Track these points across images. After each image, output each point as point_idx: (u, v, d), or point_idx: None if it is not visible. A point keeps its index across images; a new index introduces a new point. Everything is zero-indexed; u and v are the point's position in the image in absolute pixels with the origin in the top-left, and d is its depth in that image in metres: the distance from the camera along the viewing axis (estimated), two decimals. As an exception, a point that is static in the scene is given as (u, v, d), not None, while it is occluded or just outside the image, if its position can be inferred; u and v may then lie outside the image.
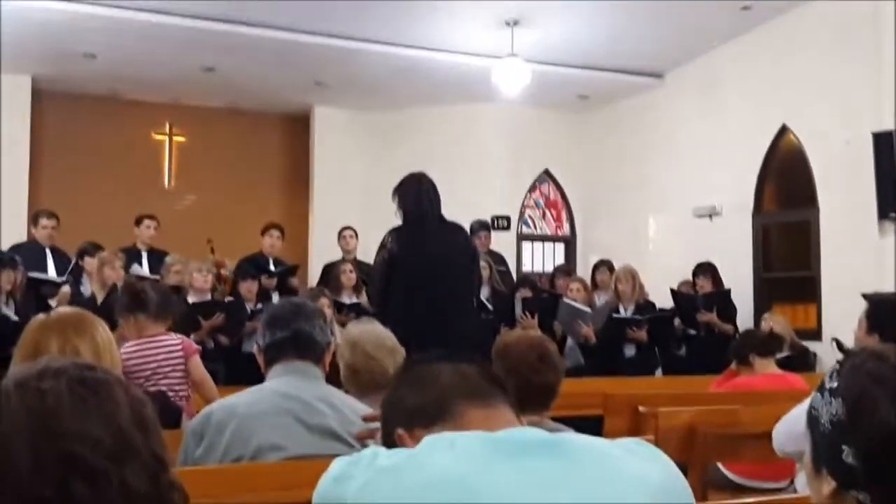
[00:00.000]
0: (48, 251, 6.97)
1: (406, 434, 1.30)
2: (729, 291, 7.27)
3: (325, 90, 9.48)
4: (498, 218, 9.71)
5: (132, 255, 6.97)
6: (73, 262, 6.69)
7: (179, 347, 3.79)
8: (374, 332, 2.94)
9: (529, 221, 10.42)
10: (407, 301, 4.39)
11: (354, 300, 6.82)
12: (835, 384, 1.23)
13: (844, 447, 1.16)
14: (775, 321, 6.54)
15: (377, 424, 1.56)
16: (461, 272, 4.59)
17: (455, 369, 1.35)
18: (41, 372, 0.98)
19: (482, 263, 6.80)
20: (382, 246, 4.56)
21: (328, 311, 5.95)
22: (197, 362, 3.85)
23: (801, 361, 6.59)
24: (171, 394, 3.67)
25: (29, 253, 6.68)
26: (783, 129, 7.97)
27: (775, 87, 7.96)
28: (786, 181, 8.14)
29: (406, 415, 1.34)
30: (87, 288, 6.31)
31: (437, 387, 1.33)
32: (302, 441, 2.28)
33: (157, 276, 6.46)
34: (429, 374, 1.36)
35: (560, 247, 10.60)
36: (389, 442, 1.34)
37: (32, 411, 0.94)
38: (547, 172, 10.41)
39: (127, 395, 1.01)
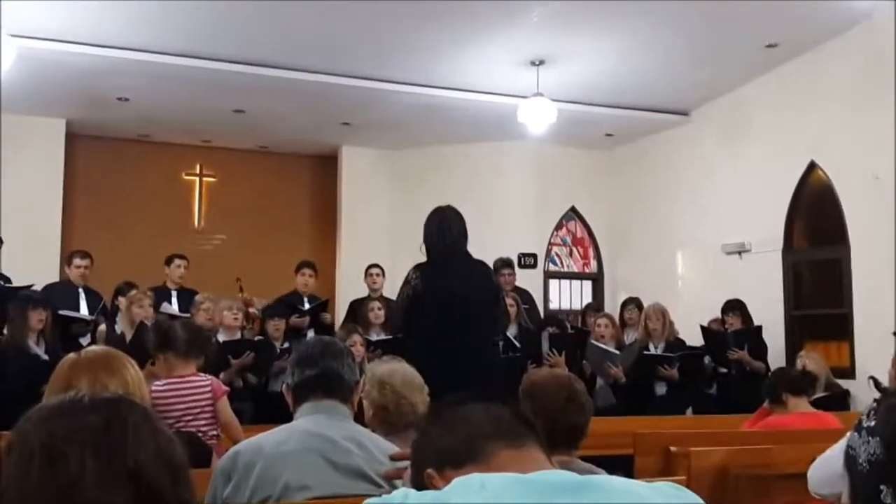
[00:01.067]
0: (81, 291, 7.06)
1: (436, 474, 1.29)
2: (760, 328, 7.18)
3: (353, 130, 9.58)
4: (524, 255, 9.70)
5: (163, 294, 7.05)
6: (107, 301, 6.78)
7: (209, 389, 3.78)
8: (401, 371, 2.94)
9: (556, 259, 10.40)
10: (429, 339, 4.37)
11: (383, 337, 6.82)
12: (872, 423, 1.20)
13: (883, 487, 1.14)
14: (810, 359, 6.44)
15: (405, 463, 1.55)
16: (483, 310, 4.57)
17: (486, 410, 1.34)
18: (67, 436, 0.96)
19: (509, 301, 6.78)
20: (406, 282, 4.56)
21: (361, 349, 5.96)
22: (225, 404, 3.84)
23: (835, 400, 6.47)
24: (199, 434, 3.66)
25: (62, 293, 6.78)
26: (811, 166, 7.92)
27: (803, 123, 7.93)
28: (815, 218, 8.07)
29: (436, 455, 1.32)
30: (120, 327, 6.38)
31: (468, 427, 1.31)
32: (330, 481, 2.27)
33: (188, 315, 6.52)
34: (460, 414, 1.34)
35: (587, 284, 10.55)
36: (419, 482, 1.33)
37: (54, 481, 0.93)
38: (573, 210, 10.40)
39: (154, 436, 1.00)
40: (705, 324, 7.44)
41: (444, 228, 4.58)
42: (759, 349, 7.07)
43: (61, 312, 6.45)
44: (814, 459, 2.62)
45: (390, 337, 6.74)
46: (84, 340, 6.49)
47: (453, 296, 4.44)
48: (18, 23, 6.46)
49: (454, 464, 1.28)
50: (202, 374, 3.86)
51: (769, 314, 7.69)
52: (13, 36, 6.32)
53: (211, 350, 4.07)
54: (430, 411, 1.49)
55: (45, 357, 5.86)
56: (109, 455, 0.95)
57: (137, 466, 0.95)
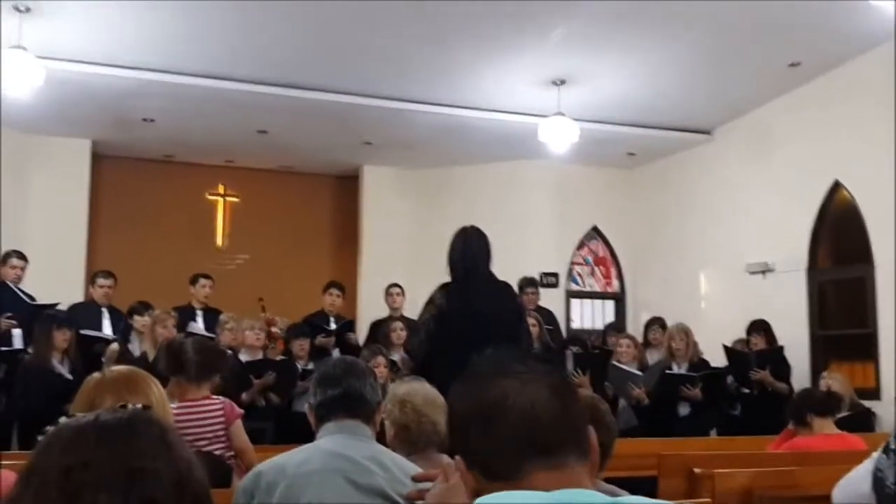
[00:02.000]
0: (105, 310, 7.12)
1: (464, 466, 1.27)
2: (782, 349, 7.11)
3: (374, 150, 9.63)
4: (546, 275, 9.67)
5: (188, 314, 7.09)
6: (124, 321, 6.83)
7: (221, 412, 3.67)
8: (422, 390, 2.93)
9: (578, 278, 10.36)
10: (452, 359, 4.35)
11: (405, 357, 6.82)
12: (900, 445, 1.19)
13: (911, 511, 1.12)
14: (834, 380, 6.36)
15: (428, 484, 1.54)
16: (507, 331, 4.55)
17: (527, 406, 1.23)
18: (83, 472, 0.96)
19: (531, 321, 6.76)
20: (431, 302, 4.55)
21: (384, 371, 5.96)
22: (238, 428, 3.72)
23: (858, 420, 6.38)
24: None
25: (86, 312, 6.85)
26: (836, 185, 7.86)
27: (826, 142, 7.88)
28: (840, 237, 8.00)
29: (468, 452, 1.27)
30: (135, 346, 6.40)
31: (506, 431, 1.22)
32: (352, 501, 2.27)
33: (213, 335, 6.55)
34: (498, 408, 1.24)
35: (609, 304, 10.50)
36: (453, 446, 1.31)
37: None
38: (595, 229, 10.37)
39: (174, 462, 0.99)
40: (729, 344, 7.38)
41: (468, 248, 4.58)
42: (783, 370, 7.00)
43: (82, 332, 6.52)
44: (839, 481, 2.59)
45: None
46: (105, 359, 6.54)
47: (477, 315, 4.43)
48: (46, 45, 6.56)
49: (485, 474, 1.24)
50: (215, 398, 3.74)
51: (793, 334, 7.61)
52: (41, 58, 6.42)
53: (226, 367, 3.92)
54: (466, 385, 1.33)
55: (69, 376, 5.91)
56: (126, 492, 0.94)
57: (154, 499, 0.95)
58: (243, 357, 6.27)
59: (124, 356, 6.17)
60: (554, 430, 1.21)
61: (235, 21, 6.63)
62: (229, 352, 3.90)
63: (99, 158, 9.36)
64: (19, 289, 6.80)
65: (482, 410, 1.25)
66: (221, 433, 3.66)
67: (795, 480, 3.41)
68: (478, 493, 1.22)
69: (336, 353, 6.89)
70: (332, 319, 7.48)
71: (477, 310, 4.43)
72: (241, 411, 3.89)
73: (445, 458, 2.65)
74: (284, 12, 6.52)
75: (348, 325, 7.52)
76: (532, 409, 1.22)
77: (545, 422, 1.21)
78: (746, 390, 7.09)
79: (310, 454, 2.38)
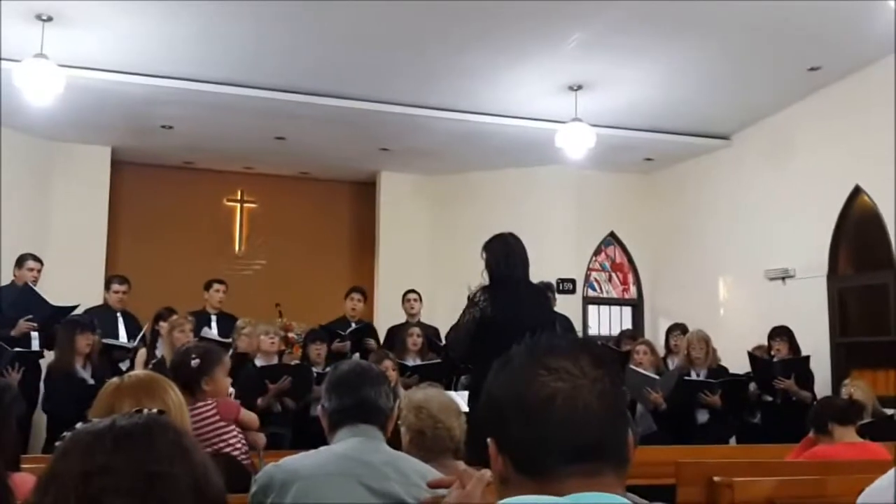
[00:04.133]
0: (119, 315, 7.18)
1: (495, 449, 1.23)
2: (808, 358, 7.04)
3: (391, 156, 9.65)
4: (563, 281, 9.64)
5: (202, 319, 7.13)
6: (149, 326, 6.88)
7: (214, 412, 3.63)
8: (438, 396, 2.94)
9: (595, 285, 10.32)
10: (490, 361, 4.35)
11: (419, 362, 6.82)
12: (925, 454, 1.16)
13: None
14: (856, 387, 6.28)
15: (443, 491, 1.53)
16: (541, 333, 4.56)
17: (574, 412, 1.18)
18: (101, 480, 0.96)
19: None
20: (474, 304, 4.57)
21: (393, 374, 5.96)
22: (245, 420, 3.82)
23: (883, 428, 6.30)
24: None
25: (102, 317, 6.91)
26: (856, 190, 7.78)
27: (847, 147, 7.81)
28: (861, 243, 7.92)
29: (504, 439, 1.22)
30: (161, 352, 6.45)
31: (548, 431, 1.18)
32: (366, 505, 2.27)
33: (229, 340, 6.58)
34: (544, 407, 1.19)
35: (627, 310, 10.45)
36: (479, 426, 1.28)
37: None
38: (612, 235, 10.33)
39: (191, 467, 0.99)
40: (749, 351, 7.31)
41: (512, 253, 4.66)
42: (807, 378, 6.93)
43: (104, 341, 6.60)
44: (862, 491, 2.55)
45: (429, 363, 6.74)
46: (123, 366, 6.59)
47: (520, 319, 4.43)
48: (67, 53, 6.62)
49: (515, 465, 1.20)
50: (209, 400, 3.69)
51: (814, 341, 7.54)
52: (61, 66, 6.48)
53: (212, 370, 3.83)
54: (509, 365, 1.28)
55: (91, 381, 5.95)
56: (144, 497, 0.95)
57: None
58: (259, 362, 6.28)
59: (150, 362, 6.19)
60: (596, 440, 1.19)
61: (253, 29, 6.67)
62: (195, 359, 3.79)
63: (119, 165, 9.43)
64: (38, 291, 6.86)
65: (527, 405, 1.20)
66: (223, 432, 3.64)
67: (818, 490, 3.37)
68: (504, 480, 1.20)
69: (356, 356, 6.88)
70: (353, 325, 7.48)
71: (520, 314, 4.45)
72: (237, 403, 3.86)
73: (461, 465, 2.64)
74: (302, 20, 6.55)
75: (366, 328, 7.51)
76: (578, 416, 1.19)
77: (589, 430, 1.18)
78: (769, 398, 7.03)
79: (325, 457, 2.38)
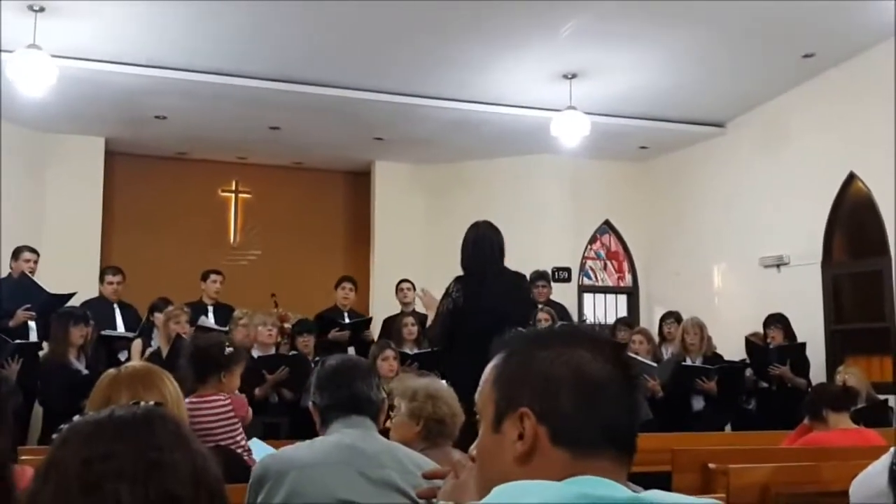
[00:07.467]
0: (116, 306, 7.18)
1: (534, 419, 1.20)
2: (804, 345, 7.06)
3: (386, 145, 9.63)
4: (558, 269, 9.65)
5: (199, 310, 7.12)
6: (145, 317, 6.88)
7: (229, 407, 3.63)
8: (443, 385, 3.00)
9: (590, 273, 10.33)
10: (465, 352, 4.37)
11: (416, 351, 6.83)
12: (917, 440, 1.17)
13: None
14: (850, 374, 6.31)
15: (439, 482, 1.53)
16: (516, 323, 4.58)
17: (625, 402, 1.23)
18: (101, 465, 0.96)
19: (544, 315, 6.76)
20: (447, 294, 4.61)
21: (395, 364, 5.98)
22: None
23: (873, 412, 6.34)
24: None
25: (98, 308, 6.90)
26: (851, 177, 7.80)
27: (841, 134, 7.82)
28: (855, 230, 7.94)
29: (549, 410, 1.21)
30: (156, 343, 6.46)
31: (597, 414, 1.20)
32: (363, 494, 2.28)
33: (226, 329, 6.58)
34: (601, 391, 1.21)
35: (622, 298, 10.47)
36: (500, 400, 1.25)
37: None
38: (607, 223, 10.34)
39: (190, 456, 1.00)
40: (747, 336, 7.34)
41: (481, 243, 4.63)
42: (803, 366, 6.96)
43: (104, 333, 6.63)
44: (856, 476, 2.57)
45: (428, 350, 6.75)
46: (122, 356, 6.59)
47: (487, 309, 4.46)
48: (60, 43, 6.59)
49: (554, 436, 1.20)
50: (221, 395, 3.68)
51: (808, 328, 7.57)
52: (54, 56, 6.45)
53: (227, 361, 3.82)
54: (568, 352, 1.26)
55: (86, 372, 5.96)
56: (145, 483, 0.95)
57: (173, 491, 0.96)
58: (256, 353, 6.29)
59: (146, 353, 6.21)
60: (633, 433, 1.25)
61: (247, 18, 6.64)
62: (230, 348, 3.81)
63: (112, 156, 9.40)
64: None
65: (584, 384, 1.22)
66: (233, 429, 3.62)
67: (813, 476, 3.39)
68: (528, 453, 1.19)
69: (351, 350, 6.90)
70: (345, 314, 7.49)
71: (486, 305, 4.47)
72: (247, 403, 3.90)
73: (458, 453, 2.65)
74: (296, 9, 6.53)
75: (367, 323, 7.52)
76: (629, 407, 1.25)
77: (629, 423, 1.24)
78: (765, 384, 7.06)
79: (320, 447, 2.39)
